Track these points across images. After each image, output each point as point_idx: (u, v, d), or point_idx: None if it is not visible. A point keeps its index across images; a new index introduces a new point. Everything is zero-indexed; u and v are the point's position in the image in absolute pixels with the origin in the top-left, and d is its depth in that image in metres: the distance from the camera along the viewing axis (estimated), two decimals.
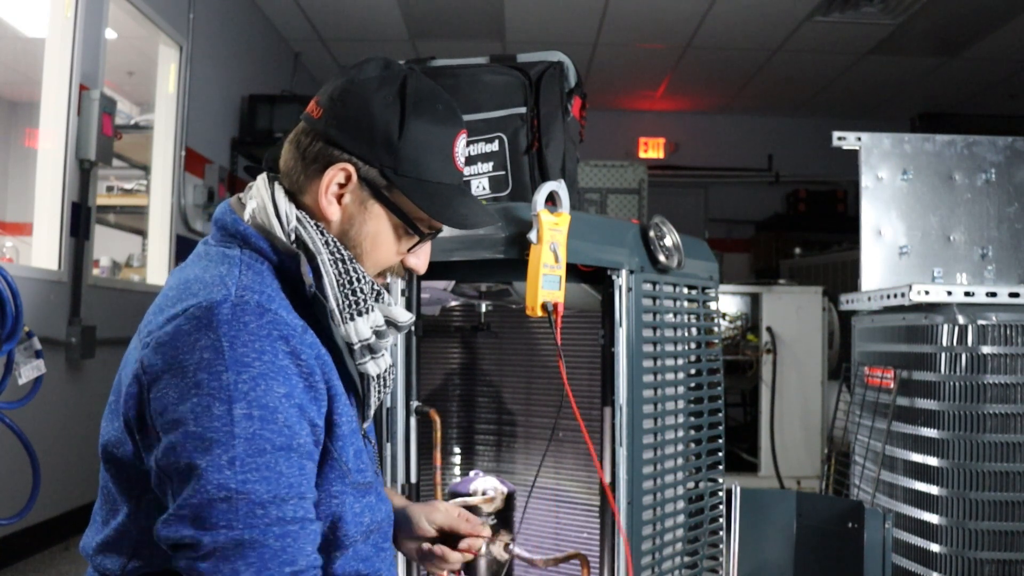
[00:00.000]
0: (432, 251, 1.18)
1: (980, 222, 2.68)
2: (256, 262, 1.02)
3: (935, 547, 2.22)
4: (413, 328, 1.54)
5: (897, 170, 2.69)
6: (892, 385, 2.39)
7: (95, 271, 4.01)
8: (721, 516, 1.90)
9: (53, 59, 3.47)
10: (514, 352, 2.08)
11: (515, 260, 1.48)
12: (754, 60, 6.69)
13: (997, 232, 2.67)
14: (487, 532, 1.27)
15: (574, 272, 1.59)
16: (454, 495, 1.67)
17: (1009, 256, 2.67)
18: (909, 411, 2.34)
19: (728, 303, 4.68)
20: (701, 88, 7.55)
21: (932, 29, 5.79)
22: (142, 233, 5.05)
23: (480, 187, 1.70)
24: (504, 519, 1.62)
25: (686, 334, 1.82)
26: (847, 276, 5.54)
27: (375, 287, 1.08)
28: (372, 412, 1.14)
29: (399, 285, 1.51)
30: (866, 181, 2.69)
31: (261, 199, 1.06)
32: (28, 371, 2.04)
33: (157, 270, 4.45)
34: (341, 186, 1.05)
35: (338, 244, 1.05)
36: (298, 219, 1.04)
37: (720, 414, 1.89)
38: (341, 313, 1.03)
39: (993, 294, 2.24)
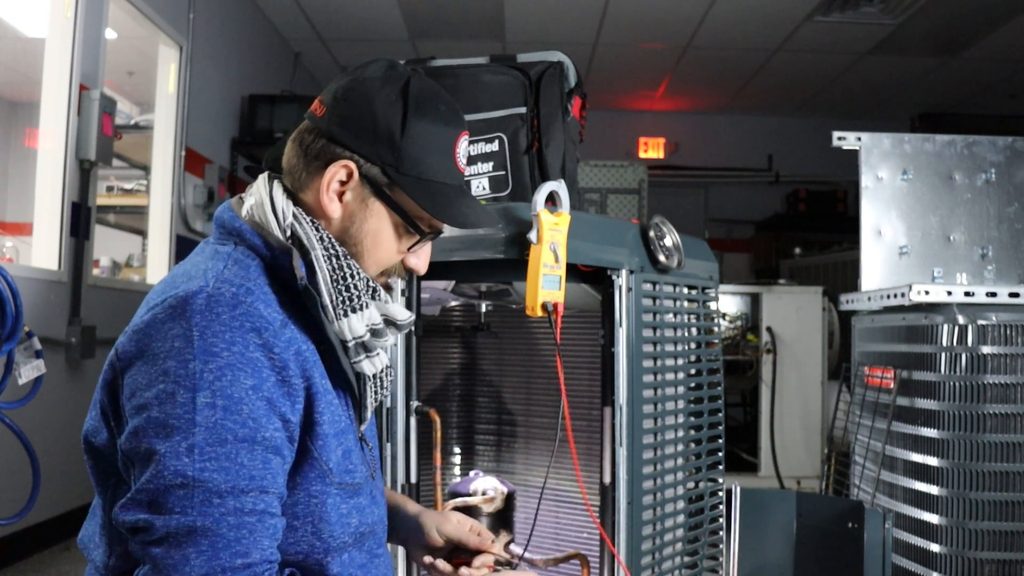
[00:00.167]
0: (432, 251, 1.18)
1: (980, 222, 2.68)
2: (247, 258, 1.02)
3: (935, 547, 2.22)
4: (413, 328, 1.54)
5: (897, 170, 2.69)
6: (892, 385, 2.39)
7: (95, 271, 4.01)
8: (721, 516, 1.90)
9: (53, 59, 3.47)
10: (514, 352, 2.08)
11: (515, 260, 1.48)
12: (754, 60, 6.69)
13: (997, 232, 2.67)
14: (497, 548, 1.25)
15: (574, 272, 1.59)
16: (454, 495, 1.67)
17: (1009, 256, 2.67)
18: (909, 411, 2.34)
19: (728, 303, 4.68)
20: (701, 88, 7.55)
21: (932, 29, 5.79)
22: (142, 233, 5.05)
23: (480, 187, 1.70)
24: (504, 519, 1.62)
25: (686, 334, 1.82)
26: (847, 276, 5.55)
27: (370, 284, 1.08)
28: (370, 413, 1.14)
29: (399, 285, 1.51)
30: (866, 181, 2.69)
31: (259, 196, 1.06)
32: (28, 371, 2.04)
33: (157, 270, 4.44)
34: (343, 183, 1.06)
35: (333, 241, 1.05)
36: (294, 215, 1.04)
37: (720, 414, 1.89)
38: (334, 309, 1.03)
39: (993, 294, 2.24)
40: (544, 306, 1.43)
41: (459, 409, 2.13)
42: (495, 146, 1.69)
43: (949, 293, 2.26)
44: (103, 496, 1.03)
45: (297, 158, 1.08)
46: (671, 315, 1.77)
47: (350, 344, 1.05)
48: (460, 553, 1.25)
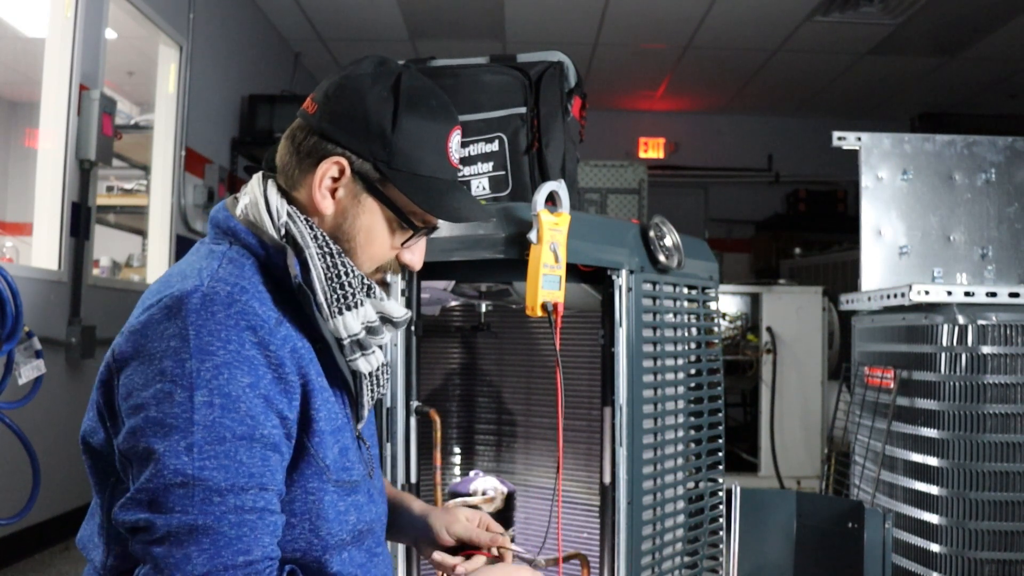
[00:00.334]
0: (432, 251, 1.18)
1: (980, 222, 2.68)
2: (241, 257, 1.02)
3: (935, 547, 2.22)
4: (413, 328, 1.54)
5: (897, 170, 2.69)
6: (892, 385, 2.39)
7: (95, 271, 4.01)
8: (721, 516, 1.90)
9: (53, 59, 3.48)
10: (514, 352, 2.08)
11: (515, 260, 1.48)
12: (754, 60, 6.69)
13: (997, 232, 2.67)
14: (506, 541, 1.24)
15: (574, 272, 1.59)
16: (454, 495, 1.67)
17: (1009, 256, 2.67)
18: (909, 411, 2.34)
19: (728, 303, 4.68)
20: (701, 88, 7.55)
21: (932, 29, 5.79)
22: (142, 233, 5.05)
23: (480, 187, 1.70)
24: (504, 519, 1.62)
25: (686, 334, 1.82)
26: (847, 276, 5.55)
27: (365, 282, 1.07)
28: (367, 411, 1.13)
29: (399, 285, 1.51)
30: (866, 181, 2.69)
31: (253, 195, 1.07)
32: (28, 371, 2.04)
33: (157, 270, 4.45)
34: (335, 180, 1.06)
35: (327, 239, 1.05)
36: (288, 214, 1.05)
37: (720, 414, 1.89)
38: (329, 307, 1.03)
39: (993, 294, 2.24)
40: (544, 306, 1.43)
41: (459, 409, 2.13)
42: (495, 146, 1.69)
43: (949, 293, 2.26)
44: (102, 496, 1.03)
45: (290, 156, 1.09)
46: (671, 315, 1.77)
47: (345, 342, 1.05)
48: (470, 548, 1.25)
